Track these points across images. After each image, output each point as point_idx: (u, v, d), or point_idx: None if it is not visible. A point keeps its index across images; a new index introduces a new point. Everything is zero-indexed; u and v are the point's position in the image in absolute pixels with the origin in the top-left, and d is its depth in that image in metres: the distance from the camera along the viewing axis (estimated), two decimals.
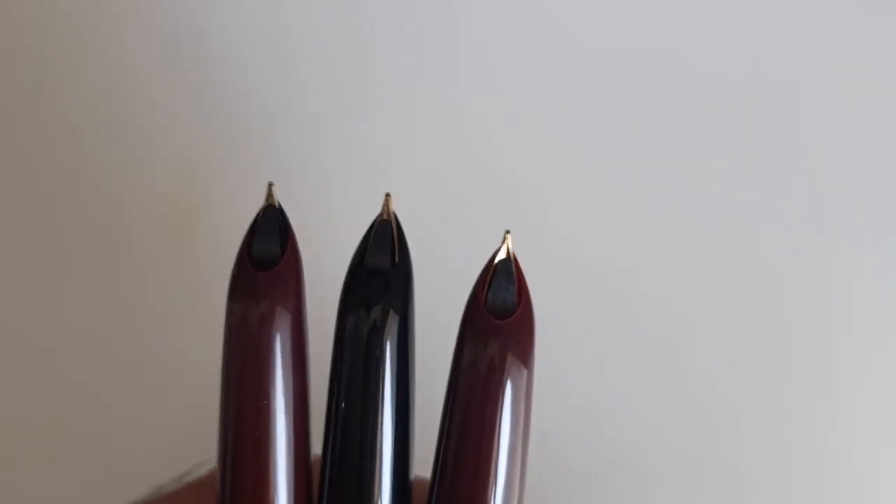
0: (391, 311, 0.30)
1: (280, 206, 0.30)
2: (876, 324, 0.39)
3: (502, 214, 0.39)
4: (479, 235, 0.36)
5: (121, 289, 0.40)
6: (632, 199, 0.39)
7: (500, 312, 0.30)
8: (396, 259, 0.30)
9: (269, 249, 0.29)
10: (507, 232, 0.30)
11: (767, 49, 0.39)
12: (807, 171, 0.39)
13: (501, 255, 0.30)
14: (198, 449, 0.35)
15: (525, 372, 0.29)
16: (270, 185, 0.30)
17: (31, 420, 0.40)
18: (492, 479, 0.30)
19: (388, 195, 0.30)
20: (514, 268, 0.30)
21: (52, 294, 0.40)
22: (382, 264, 0.30)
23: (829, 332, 0.39)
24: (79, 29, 0.39)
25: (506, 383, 0.29)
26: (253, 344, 0.29)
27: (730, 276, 0.39)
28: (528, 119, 0.40)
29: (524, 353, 0.30)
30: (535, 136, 0.40)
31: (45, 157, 0.40)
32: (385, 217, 0.30)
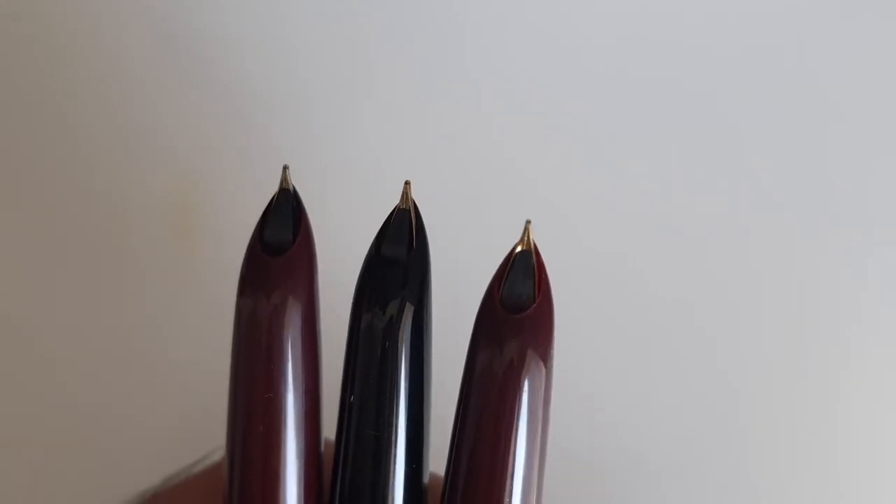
0: (407, 305, 0.29)
1: (295, 189, 0.29)
2: (883, 324, 0.37)
3: (517, 207, 0.38)
4: (496, 226, 0.36)
5: (119, 288, 0.40)
6: (644, 198, 0.38)
7: (516, 307, 0.28)
8: (413, 247, 0.29)
9: (281, 235, 0.28)
10: (528, 222, 0.28)
11: (776, 50, 0.38)
12: (817, 171, 0.38)
13: (521, 247, 0.28)
14: (196, 446, 0.35)
15: (543, 370, 0.28)
16: (286, 168, 0.29)
17: (31, 420, 0.40)
18: (507, 486, 0.28)
19: (407, 183, 0.29)
20: (534, 260, 0.28)
21: (52, 294, 0.40)
22: (399, 254, 0.29)
23: (840, 334, 0.37)
24: (78, 30, 0.39)
25: (523, 383, 0.28)
26: (263, 335, 0.28)
27: (739, 276, 0.38)
28: (537, 114, 0.39)
29: (543, 349, 0.28)
30: (545, 131, 0.39)
31: (43, 158, 0.40)
32: (403, 206, 0.29)
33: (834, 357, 0.38)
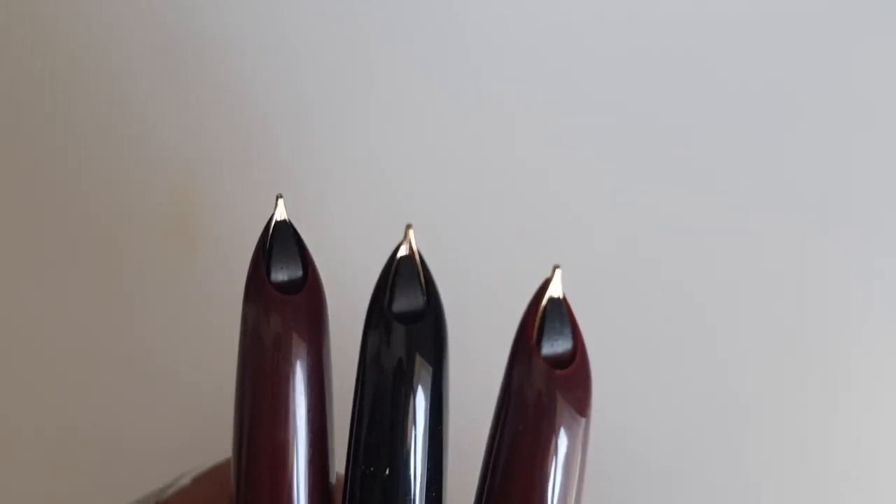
0: (420, 356, 0.26)
1: (290, 222, 0.26)
2: (886, 326, 0.37)
3: (506, 215, 0.37)
4: (501, 228, 0.36)
5: (120, 291, 0.39)
6: (643, 202, 0.37)
7: (551, 359, 0.25)
8: (426, 303, 0.25)
9: (286, 270, 0.26)
10: (557, 267, 0.25)
11: (773, 53, 0.37)
12: (813, 171, 0.37)
13: (553, 294, 0.25)
14: (195, 448, 0.35)
15: (580, 438, 0.26)
16: (279, 197, 0.26)
17: (30, 420, 0.40)
18: None
19: (409, 227, 0.25)
20: (565, 310, 0.25)
21: (52, 298, 0.39)
22: (411, 308, 0.25)
23: (840, 335, 0.37)
24: (77, 32, 0.38)
25: (559, 445, 0.25)
26: (269, 381, 0.26)
27: (740, 279, 0.37)
28: (541, 114, 0.38)
29: (581, 405, 0.25)
30: (549, 131, 0.38)
31: (42, 161, 0.39)
32: (409, 253, 0.25)
33: (836, 358, 0.37)
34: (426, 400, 0.26)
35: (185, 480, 0.31)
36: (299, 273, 0.26)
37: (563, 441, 0.25)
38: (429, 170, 0.37)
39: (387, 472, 0.26)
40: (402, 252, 0.26)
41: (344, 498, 0.27)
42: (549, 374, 0.25)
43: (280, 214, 0.26)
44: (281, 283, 0.26)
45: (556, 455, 0.25)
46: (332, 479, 0.28)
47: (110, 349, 0.39)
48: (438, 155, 0.37)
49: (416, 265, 0.26)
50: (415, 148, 0.37)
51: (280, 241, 0.26)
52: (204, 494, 0.31)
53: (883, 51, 0.36)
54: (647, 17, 0.37)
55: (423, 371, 0.26)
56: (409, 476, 0.26)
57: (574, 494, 0.26)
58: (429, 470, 0.26)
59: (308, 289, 0.26)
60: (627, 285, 0.38)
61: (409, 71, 0.37)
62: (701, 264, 0.37)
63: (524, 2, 0.37)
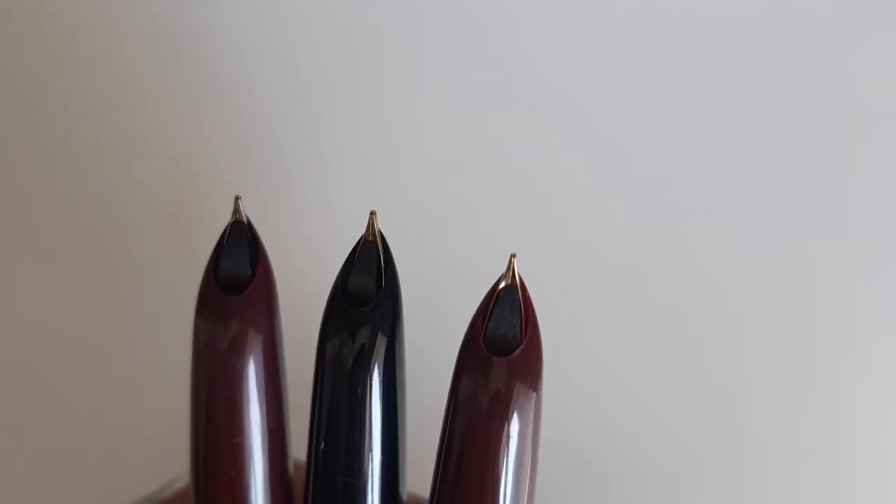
0: (378, 336, 0.26)
1: (249, 221, 0.27)
2: (886, 325, 0.36)
3: (507, 215, 0.37)
4: (480, 240, 0.36)
5: (118, 289, 0.39)
6: (644, 200, 0.37)
7: (501, 346, 0.26)
8: (383, 283, 0.26)
9: (238, 269, 0.26)
10: (513, 256, 0.26)
11: (779, 51, 0.36)
12: (819, 173, 0.36)
13: (505, 282, 0.26)
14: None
15: (531, 421, 0.26)
16: (237, 199, 0.27)
17: (28, 419, 0.40)
18: None
19: (373, 213, 0.26)
20: (519, 296, 0.26)
21: (50, 295, 0.39)
22: (367, 290, 0.26)
23: (841, 334, 0.37)
24: (76, 30, 0.38)
25: (507, 438, 0.26)
26: (223, 375, 0.26)
27: (742, 278, 0.37)
28: (539, 116, 0.37)
29: (527, 394, 0.26)
30: (547, 133, 0.37)
31: (41, 158, 0.39)
32: (371, 238, 0.26)
33: (836, 359, 0.37)
34: (381, 376, 0.26)
35: (181, 484, 0.32)
36: (248, 272, 0.26)
37: (515, 422, 0.26)
38: (430, 169, 0.37)
39: (346, 451, 0.27)
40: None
41: (307, 486, 0.28)
42: (489, 361, 0.25)
43: (236, 216, 0.26)
44: (231, 284, 0.26)
45: (509, 435, 0.26)
46: (291, 469, 0.28)
47: (110, 348, 0.39)
48: (439, 156, 0.37)
49: (378, 249, 0.26)
50: (416, 149, 0.37)
51: (233, 242, 0.26)
52: None
53: (885, 51, 0.35)
54: (655, 17, 0.36)
55: (380, 347, 0.26)
56: (366, 455, 0.27)
57: (529, 471, 0.26)
58: (387, 444, 0.27)
59: (256, 284, 0.26)
60: (636, 285, 0.37)
61: (410, 71, 0.37)
62: (709, 265, 0.37)
63: (526, 2, 0.37)
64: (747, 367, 0.37)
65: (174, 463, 0.33)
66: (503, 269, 0.26)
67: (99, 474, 0.39)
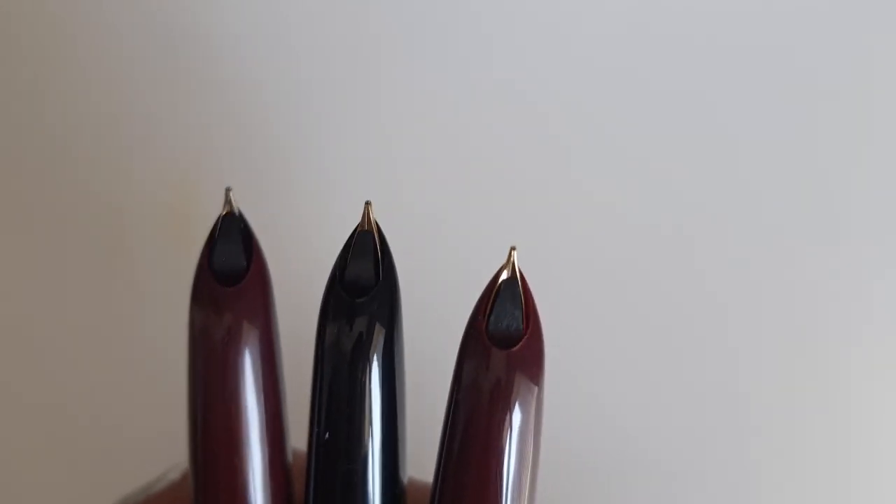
0: (377, 325, 0.26)
1: (240, 212, 0.27)
2: (886, 325, 0.36)
3: (507, 216, 0.37)
4: (480, 240, 0.35)
5: (120, 290, 0.39)
6: (643, 201, 0.37)
7: (503, 339, 0.25)
8: (380, 274, 0.26)
9: (232, 260, 0.26)
10: (513, 248, 0.25)
11: (779, 51, 0.36)
12: (817, 173, 0.36)
13: (506, 275, 0.25)
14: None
15: (532, 413, 0.25)
16: (228, 190, 0.26)
17: (24, 416, 0.40)
18: None
19: (368, 203, 0.26)
20: (520, 288, 0.25)
21: (49, 295, 0.39)
22: (365, 279, 0.26)
23: (840, 335, 0.36)
24: (76, 30, 0.38)
25: (509, 427, 0.25)
26: (220, 367, 0.26)
27: (740, 279, 0.36)
28: (539, 116, 0.37)
29: (528, 386, 0.25)
30: (547, 133, 0.37)
31: (41, 157, 0.39)
32: (366, 227, 0.26)
33: (835, 360, 0.36)
34: (380, 361, 0.26)
35: (175, 475, 0.32)
36: (243, 263, 0.26)
37: (517, 413, 0.25)
38: (430, 168, 0.37)
39: (346, 439, 0.27)
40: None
41: (308, 474, 0.27)
42: (493, 354, 0.25)
43: (227, 208, 0.26)
44: (225, 276, 0.26)
45: (511, 426, 0.25)
46: (290, 457, 0.28)
47: (109, 347, 0.39)
48: (439, 156, 0.37)
49: (374, 239, 0.26)
50: (416, 149, 0.37)
51: (225, 234, 0.26)
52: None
53: (886, 51, 0.35)
54: (657, 18, 0.36)
55: (379, 338, 0.26)
56: (367, 442, 0.27)
57: (530, 462, 0.26)
58: (387, 430, 0.27)
59: (250, 275, 0.26)
60: (636, 286, 0.37)
61: (410, 71, 0.37)
62: (708, 265, 0.37)
63: (526, 2, 0.37)
64: (747, 365, 0.36)
65: (170, 460, 0.33)
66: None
67: (90, 468, 0.40)
